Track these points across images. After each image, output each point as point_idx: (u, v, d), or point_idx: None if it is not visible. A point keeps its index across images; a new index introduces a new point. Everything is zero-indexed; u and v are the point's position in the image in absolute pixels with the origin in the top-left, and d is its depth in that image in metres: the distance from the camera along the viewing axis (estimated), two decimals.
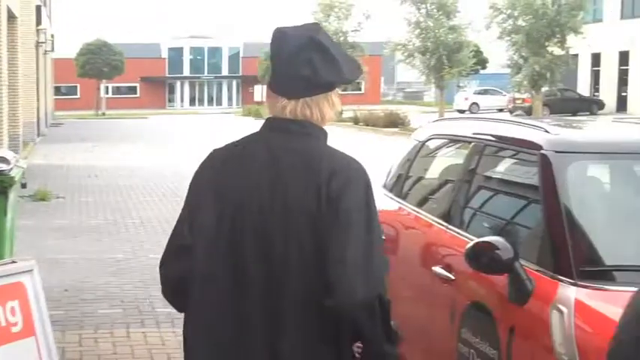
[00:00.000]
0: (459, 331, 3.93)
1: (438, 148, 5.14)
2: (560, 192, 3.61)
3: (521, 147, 4.06)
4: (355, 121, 37.86)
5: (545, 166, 3.72)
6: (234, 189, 2.44)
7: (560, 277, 3.35)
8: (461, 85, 55.09)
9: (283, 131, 2.45)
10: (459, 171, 4.57)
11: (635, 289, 3.25)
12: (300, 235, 2.36)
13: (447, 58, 31.31)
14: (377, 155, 13.95)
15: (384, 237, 4.22)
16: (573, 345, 3.12)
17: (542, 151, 3.79)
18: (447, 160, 4.95)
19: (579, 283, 3.27)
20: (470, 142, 4.55)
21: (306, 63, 2.39)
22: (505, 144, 4.30)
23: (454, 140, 4.94)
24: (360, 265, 2.31)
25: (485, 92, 52.32)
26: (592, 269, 3.38)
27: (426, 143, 5.10)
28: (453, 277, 4.04)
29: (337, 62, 2.43)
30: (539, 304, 3.36)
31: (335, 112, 2.51)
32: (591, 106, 42.36)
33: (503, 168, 4.36)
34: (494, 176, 4.44)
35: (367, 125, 35.78)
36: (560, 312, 3.22)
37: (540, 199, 3.70)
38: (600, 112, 42.38)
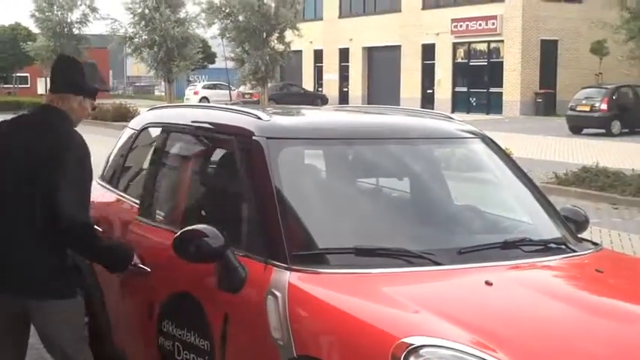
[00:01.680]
0: (159, 325, 3.84)
1: (156, 136, 4.98)
2: (272, 178, 3.60)
3: (234, 134, 4.02)
4: None
5: (257, 152, 3.70)
6: (8, 146, 3.68)
7: (274, 262, 3.34)
8: (191, 79, 55.01)
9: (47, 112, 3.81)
10: (174, 160, 4.46)
11: (347, 270, 3.36)
12: (40, 177, 3.54)
13: (175, 52, 31.09)
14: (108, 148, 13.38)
15: (100, 229, 4.07)
16: (288, 329, 3.12)
17: (254, 137, 3.77)
18: (164, 149, 4.80)
19: (293, 267, 3.28)
20: (184, 131, 4.44)
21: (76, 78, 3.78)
22: (219, 131, 4.23)
23: (172, 128, 4.81)
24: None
25: (214, 87, 52.56)
26: (305, 253, 3.41)
27: (142, 132, 4.92)
28: (148, 270, 3.93)
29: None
30: (254, 290, 3.33)
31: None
32: (315, 100, 43.88)
33: (218, 156, 4.30)
34: (208, 164, 4.37)
35: (96, 119, 34.73)
36: (275, 297, 3.21)
37: (254, 185, 3.68)
38: (325, 106, 44.10)
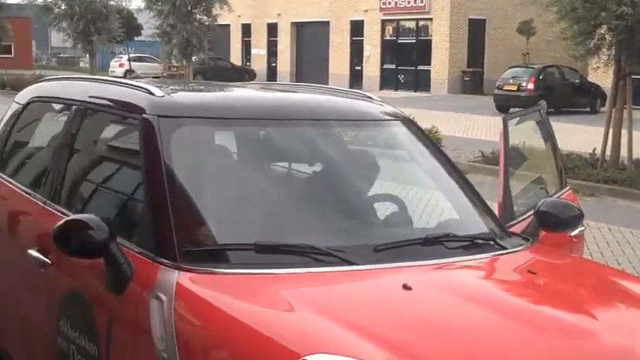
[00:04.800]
0: (57, 324, 3.38)
1: (42, 112, 4.45)
2: (164, 162, 3.14)
3: (124, 111, 3.54)
4: (2, 85, 35.79)
5: (148, 132, 3.23)
6: None
7: (161, 259, 2.89)
8: (115, 51, 53.66)
9: None
10: (60, 138, 3.94)
11: (246, 270, 2.93)
12: None
13: (95, 24, 30.02)
14: None
15: None
16: (173, 340, 2.69)
17: (144, 115, 3.29)
18: (50, 125, 4.29)
19: (183, 266, 2.83)
20: (72, 105, 3.93)
21: None
22: (109, 108, 3.74)
23: (58, 103, 4.29)
24: None
25: (140, 59, 51.43)
26: (199, 249, 2.96)
27: (28, 107, 4.39)
28: (49, 262, 3.45)
29: None
30: (138, 291, 2.88)
31: None
32: (243, 75, 43.16)
33: (108, 135, 3.82)
34: (97, 144, 3.88)
35: (15, 90, 33.78)
36: (160, 301, 2.77)
37: (144, 169, 3.21)
38: (252, 81, 43.39)
